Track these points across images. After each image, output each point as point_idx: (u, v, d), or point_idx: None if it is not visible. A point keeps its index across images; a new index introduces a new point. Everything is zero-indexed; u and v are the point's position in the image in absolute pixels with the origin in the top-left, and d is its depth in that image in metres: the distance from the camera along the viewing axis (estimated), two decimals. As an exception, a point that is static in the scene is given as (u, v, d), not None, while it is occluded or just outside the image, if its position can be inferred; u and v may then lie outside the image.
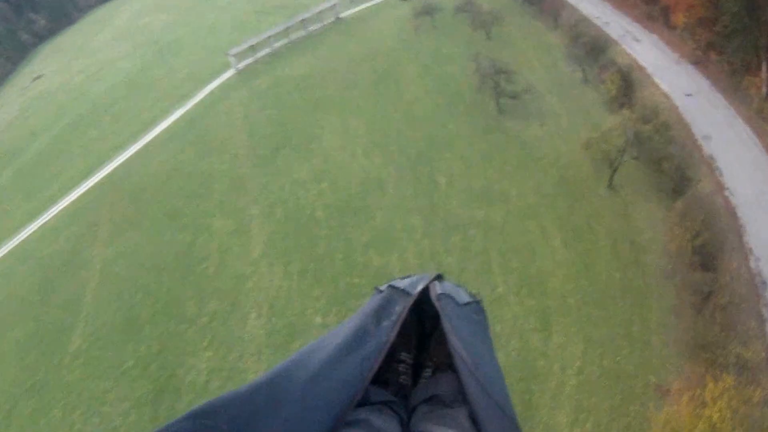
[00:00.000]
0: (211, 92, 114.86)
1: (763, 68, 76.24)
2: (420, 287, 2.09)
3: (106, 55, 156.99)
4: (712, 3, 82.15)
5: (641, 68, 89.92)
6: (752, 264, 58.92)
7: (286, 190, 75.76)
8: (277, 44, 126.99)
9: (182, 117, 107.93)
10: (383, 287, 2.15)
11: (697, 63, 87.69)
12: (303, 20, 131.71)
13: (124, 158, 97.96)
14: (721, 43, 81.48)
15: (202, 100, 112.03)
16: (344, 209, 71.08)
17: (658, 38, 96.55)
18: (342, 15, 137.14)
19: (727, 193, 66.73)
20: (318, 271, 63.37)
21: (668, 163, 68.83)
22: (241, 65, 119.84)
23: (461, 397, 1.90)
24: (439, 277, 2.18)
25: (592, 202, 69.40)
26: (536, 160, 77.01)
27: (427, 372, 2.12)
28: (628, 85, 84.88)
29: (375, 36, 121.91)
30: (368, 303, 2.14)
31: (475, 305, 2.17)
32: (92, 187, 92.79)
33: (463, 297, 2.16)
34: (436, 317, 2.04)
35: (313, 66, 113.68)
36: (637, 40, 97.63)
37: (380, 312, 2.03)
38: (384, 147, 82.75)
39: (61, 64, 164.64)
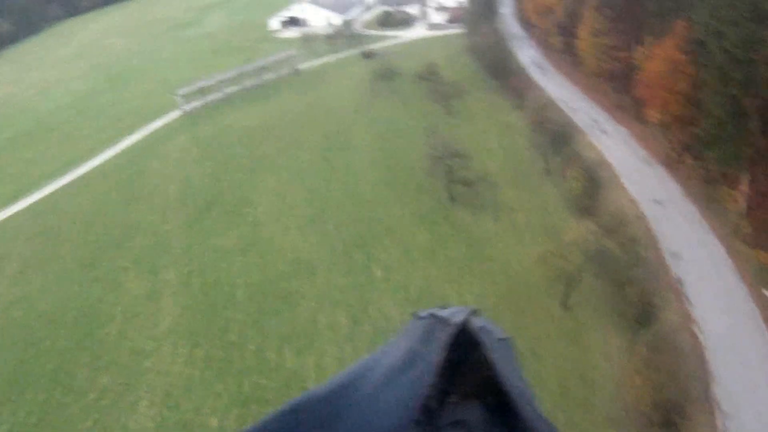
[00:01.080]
0: (154, 131, 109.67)
1: (745, 182, 67.18)
2: (460, 318, 2.05)
3: (61, 73, 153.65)
4: (691, 102, 73.22)
5: (608, 165, 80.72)
6: (720, 423, 49.00)
7: (208, 258, 70.42)
8: (228, 90, 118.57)
9: (119, 154, 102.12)
10: (424, 314, 2.13)
11: (669, 164, 78.68)
12: (259, 68, 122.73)
13: (52, 189, 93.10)
14: (699, 147, 72.40)
15: (143, 139, 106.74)
16: (267, 292, 64.37)
17: (628, 132, 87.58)
18: (300, 67, 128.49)
19: (695, 327, 56.83)
20: (225, 363, 56.74)
21: (632, 289, 59.12)
22: (189, 107, 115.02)
23: (487, 425, 1.93)
24: (475, 312, 2.13)
25: (542, 321, 59.25)
26: (484, 261, 67.29)
27: (454, 398, 1.99)
28: (592, 184, 75.59)
29: (330, 94, 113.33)
30: (411, 327, 2.13)
31: (509, 341, 2.20)
32: (12, 215, 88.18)
33: (499, 332, 2.17)
34: (465, 348, 2.02)
35: (262, 119, 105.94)
36: (605, 132, 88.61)
37: (426, 337, 2.03)
38: (321, 224, 75.20)
39: (16, 74, 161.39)
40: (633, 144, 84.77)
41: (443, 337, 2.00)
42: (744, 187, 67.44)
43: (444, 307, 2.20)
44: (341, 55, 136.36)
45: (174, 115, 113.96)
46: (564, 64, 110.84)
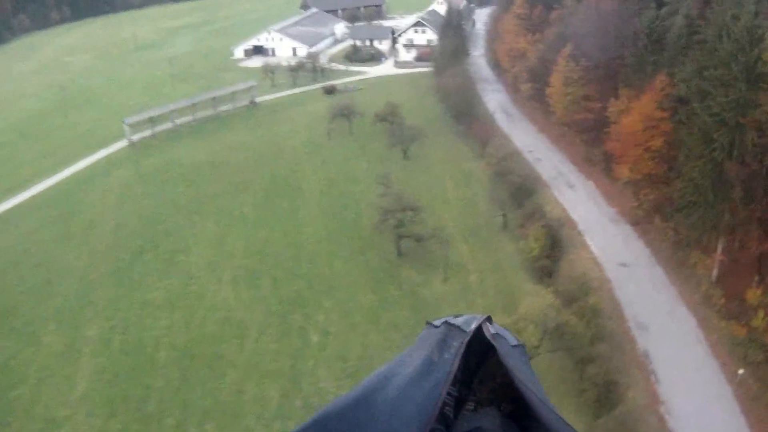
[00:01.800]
0: (97, 162, 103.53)
1: (719, 249, 60.42)
2: (474, 326, 2.07)
3: (16, 89, 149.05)
4: (666, 162, 66.77)
5: (572, 223, 73.66)
6: None
7: (133, 313, 63.82)
8: (180, 120, 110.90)
9: (58, 184, 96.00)
10: (438, 323, 2.13)
11: (638, 224, 71.87)
12: (214, 98, 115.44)
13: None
14: (670, 209, 65.73)
15: (85, 169, 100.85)
16: (192, 355, 58.03)
17: (596, 187, 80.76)
18: (258, 99, 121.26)
19: (662, 409, 49.60)
20: (141, 440, 49.90)
21: (594, 366, 51.76)
22: (136, 137, 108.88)
23: (502, 430, 1.99)
24: (489, 319, 2.13)
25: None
26: (430, 328, 59.30)
27: (470, 405, 2.07)
28: (554, 243, 68.51)
29: (285, 131, 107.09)
30: (426, 335, 2.13)
31: (522, 348, 2.18)
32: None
33: (512, 339, 2.16)
34: (481, 355, 2.08)
35: (210, 154, 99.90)
36: (571, 186, 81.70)
37: (441, 345, 2.04)
38: (258, 277, 68.60)
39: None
40: (600, 201, 77.92)
41: (458, 345, 2.01)
42: (718, 254, 60.71)
43: (458, 315, 2.16)
44: (303, 88, 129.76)
45: (121, 144, 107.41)
46: (533, 111, 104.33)
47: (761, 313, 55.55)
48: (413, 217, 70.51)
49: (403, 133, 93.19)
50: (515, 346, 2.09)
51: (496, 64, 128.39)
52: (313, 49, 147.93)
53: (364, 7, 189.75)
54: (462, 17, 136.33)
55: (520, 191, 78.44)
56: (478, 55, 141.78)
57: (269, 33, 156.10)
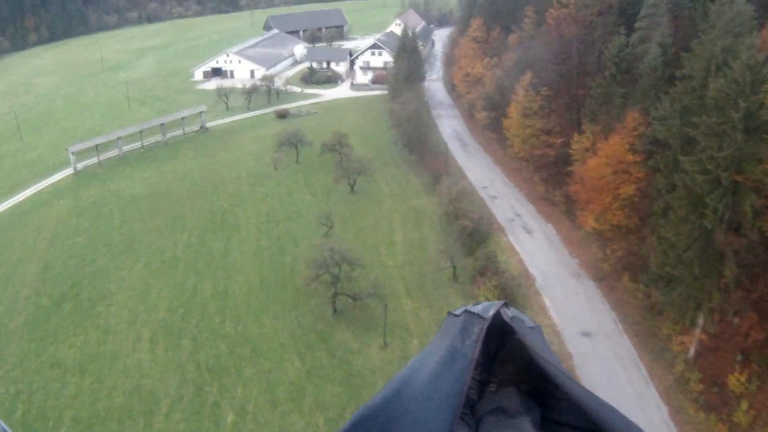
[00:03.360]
0: (38, 192, 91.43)
1: (699, 325, 45.62)
2: (492, 311, 2.05)
3: None
4: (638, 213, 52.32)
5: (528, 277, 58.83)
6: None
7: (41, 376, 52.96)
8: (127, 147, 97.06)
9: None
10: (459, 312, 2.11)
11: (603, 280, 57.20)
12: (162, 124, 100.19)
13: None
14: (644, 274, 50.98)
15: (24, 201, 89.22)
16: None
17: (556, 232, 65.93)
18: (210, 124, 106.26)
19: None
20: None
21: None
22: (81, 165, 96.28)
23: (523, 408, 2.00)
24: (506, 304, 2.11)
25: None
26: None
27: (492, 387, 2.10)
28: (508, 301, 53.19)
29: (231, 159, 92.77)
30: (449, 325, 2.10)
31: (539, 329, 2.15)
32: None
33: (529, 322, 2.14)
34: (500, 339, 2.09)
35: (151, 185, 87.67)
36: (529, 232, 66.68)
37: (463, 332, 2.02)
38: (178, 336, 56.59)
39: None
40: (561, 249, 63.00)
41: (478, 331, 1.99)
42: (697, 331, 46.03)
43: (477, 303, 2.13)
44: (256, 112, 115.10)
45: (65, 173, 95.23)
46: (489, 141, 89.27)
47: (744, 404, 41.73)
48: (350, 271, 55.73)
49: (351, 165, 78.11)
50: (532, 327, 2.06)
51: (453, 88, 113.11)
52: (271, 71, 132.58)
53: (326, 28, 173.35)
54: (417, 39, 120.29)
55: (473, 237, 63.59)
56: (435, 79, 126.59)
57: (227, 55, 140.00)
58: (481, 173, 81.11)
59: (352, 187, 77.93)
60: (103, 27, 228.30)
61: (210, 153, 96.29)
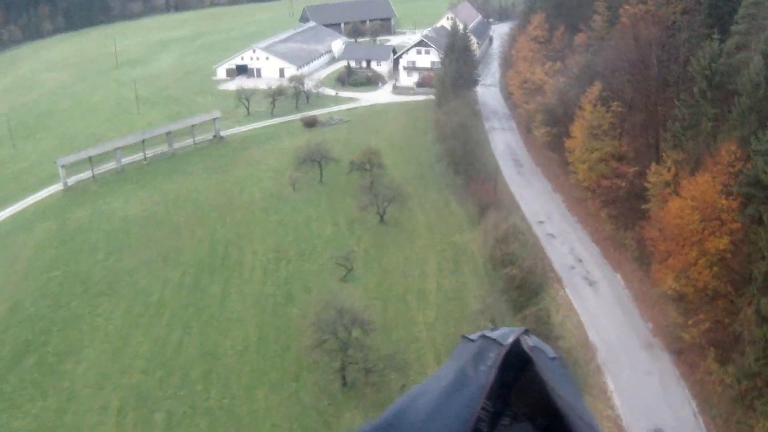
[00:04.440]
0: (24, 210, 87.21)
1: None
2: (511, 339, 2.04)
3: None
4: (731, 276, 44.48)
5: (589, 348, 51.26)
6: None
7: None
8: (127, 159, 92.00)
9: None
10: (475, 337, 2.11)
11: (681, 354, 49.32)
12: (168, 133, 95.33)
13: None
14: (734, 353, 43.12)
15: (4, 222, 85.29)
16: None
17: (625, 285, 58.12)
18: (227, 132, 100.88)
19: None
20: None
21: None
22: (73, 180, 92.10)
23: None
24: (526, 332, 2.10)
25: None
26: None
27: (506, 420, 2.04)
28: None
29: (245, 177, 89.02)
30: (462, 349, 2.10)
31: (561, 360, 2.13)
32: None
33: (551, 352, 2.11)
34: (518, 369, 2.04)
35: (149, 206, 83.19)
36: (592, 284, 58.92)
37: (477, 358, 2.03)
38: (150, 410, 50.63)
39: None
40: (631, 309, 55.17)
41: (495, 357, 1.99)
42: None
43: (494, 329, 2.13)
44: (281, 119, 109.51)
45: (54, 188, 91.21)
46: (549, 162, 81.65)
47: None
48: (363, 338, 49.19)
49: (380, 191, 71.42)
50: (554, 358, 2.03)
51: (510, 95, 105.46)
52: (303, 70, 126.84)
53: (370, 20, 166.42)
54: (470, 36, 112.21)
55: (522, 289, 56.31)
56: (490, 84, 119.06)
57: (254, 51, 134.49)
58: (538, 203, 73.66)
59: (381, 216, 71.41)
60: (126, 15, 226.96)
61: (221, 168, 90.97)
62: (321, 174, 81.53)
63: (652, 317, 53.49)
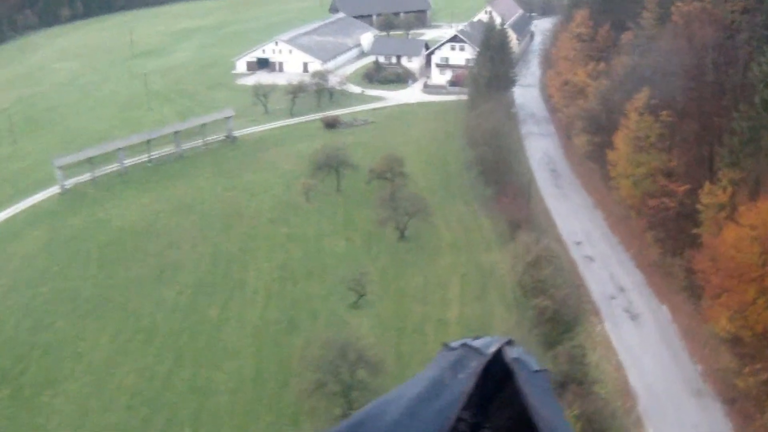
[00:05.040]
0: (17, 215, 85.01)
1: None
2: (494, 348, 2.07)
3: None
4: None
5: (627, 392, 47.05)
6: None
7: None
8: (131, 161, 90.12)
9: None
10: (456, 344, 2.13)
11: (735, 402, 45.01)
12: (176, 133, 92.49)
13: None
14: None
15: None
16: None
17: (672, 319, 53.80)
18: (241, 132, 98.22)
19: None
20: None
21: None
22: (71, 182, 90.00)
23: None
24: (510, 342, 2.13)
25: None
26: None
27: None
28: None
29: (256, 183, 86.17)
30: (441, 357, 2.12)
31: (545, 373, 2.13)
32: None
33: (534, 365, 2.13)
34: (499, 380, 2.06)
35: (148, 215, 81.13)
36: (633, 317, 54.63)
37: (456, 366, 2.05)
38: None
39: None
40: (679, 348, 50.90)
41: (475, 366, 2.00)
42: None
43: (477, 337, 2.14)
44: (300, 118, 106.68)
45: (50, 191, 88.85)
46: (590, 175, 77.30)
47: None
48: (369, 380, 45.54)
49: (401, 205, 67.76)
50: (537, 371, 2.03)
51: (549, 97, 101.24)
52: (328, 65, 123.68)
53: (404, 12, 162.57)
54: (505, 34, 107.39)
55: (555, 322, 52.22)
56: (529, 84, 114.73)
57: (276, 43, 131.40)
58: (576, 220, 69.64)
59: (402, 232, 67.66)
60: (149, 1, 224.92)
61: (231, 173, 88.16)
62: (338, 182, 78.23)
63: (703, 358, 49.20)
